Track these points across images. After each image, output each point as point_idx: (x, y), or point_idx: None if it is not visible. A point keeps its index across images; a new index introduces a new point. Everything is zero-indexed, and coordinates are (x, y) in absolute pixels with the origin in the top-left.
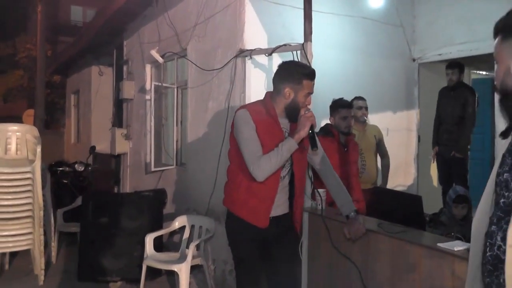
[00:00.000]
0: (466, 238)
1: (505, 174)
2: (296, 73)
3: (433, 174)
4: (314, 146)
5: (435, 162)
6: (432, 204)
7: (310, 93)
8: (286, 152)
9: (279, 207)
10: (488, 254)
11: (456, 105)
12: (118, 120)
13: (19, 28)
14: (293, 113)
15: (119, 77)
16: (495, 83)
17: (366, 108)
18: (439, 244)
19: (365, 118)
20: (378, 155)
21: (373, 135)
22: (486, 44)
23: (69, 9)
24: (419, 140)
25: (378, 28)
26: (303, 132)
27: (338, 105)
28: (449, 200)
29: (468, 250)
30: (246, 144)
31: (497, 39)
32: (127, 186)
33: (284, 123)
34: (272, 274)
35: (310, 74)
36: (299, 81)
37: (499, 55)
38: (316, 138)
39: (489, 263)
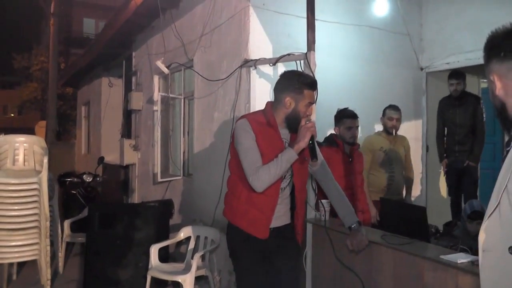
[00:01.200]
0: (473, 251)
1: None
2: (297, 83)
3: (441, 185)
4: (314, 157)
5: (444, 174)
6: (441, 215)
7: (312, 103)
8: (286, 163)
9: (280, 218)
10: None
11: (466, 115)
12: (127, 131)
13: (34, 41)
14: (294, 123)
15: (128, 88)
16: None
17: (398, 119)
18: (442, 257)
19: (394, 129)
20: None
21: (403, 146)
22: None
23: (81, 21)
24: (427, 150)
25: (385, 37)
26: (303, 142)
27: (343, 115)
28: (464, 215)
29: (472, 262)
30: (246, 154)
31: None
32: (136, 196)
33: (285, 133)
34: (274, 286)
35: (311, 84)
36: (300, 90)
37: (486, 78)
38: (317, 148)
39: None
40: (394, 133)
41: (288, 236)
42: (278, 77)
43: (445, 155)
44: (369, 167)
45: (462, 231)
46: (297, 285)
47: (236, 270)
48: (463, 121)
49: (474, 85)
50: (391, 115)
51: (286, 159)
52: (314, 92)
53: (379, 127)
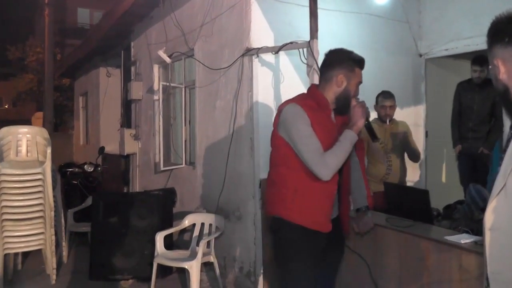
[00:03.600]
0: (474, 232)
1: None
2: (349, 60)
3: (442, 169)
4: (374, 137)
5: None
6: (440, 199)
7: (361, 82)
8: (350, 145)
9: (333, 209)
10: None
11: (485, 102)
12: (126, 121)
13: (28, 32)
14: (345, 103)
15: (127, 78)
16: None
17: (391, 107)
18: (446, 237)
19: (388, 118)
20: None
21: (402, 131)
22: None
23: (76, 11)
24: (426, 136)
25: (384, 24)
26: (361, 122)
27: None
28: (470, 201)
29: (475, 242)
30: (305, 141)
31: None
32: (137, 186)
33: (332, 117)
34: (320, 279)
35: (361, 62)
36: (352, 68)
37: (489, 62)
38: (373, 128)
39: None
40: (387, 122)
41: (337, 229)
42: (325, 56)
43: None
44: (366, 157)
45: (463, 215)
46: (335, 278)
47: (289, 274)
48: (481, 107)
49: (470, 71)
50: (383, 103)
51: (349, 141)
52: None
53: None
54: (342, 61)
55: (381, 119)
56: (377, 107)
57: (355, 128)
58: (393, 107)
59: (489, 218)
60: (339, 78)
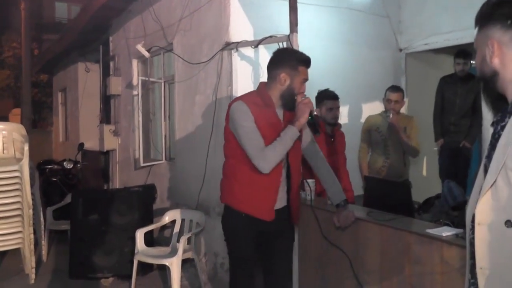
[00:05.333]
0: (455, 224)
1: (484, 160)
2: (292, 59)
3: (423, 163)
4: (316, 131)
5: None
6: (421, 193)
7: (306, 79)
8: (290, 141)
9: (280, 200)
10: None
11: (468, 96)
12: (106, 117)
13: (4, 27)
14: (289, 100)
15: (106, 74)
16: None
17: (397, 101)
18: (427, 230)
19: (393, 112)
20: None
21: (407, 126)
22: (473, 32)
23: (53, 5)
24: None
25: (364, 19)
26: (303, 118)
27: (324, 96)
28: (444, 201)
29: (456, 235)
30: (248, 136)
31: (476, 29)
32: (117, 182)
33: (280, 112)
34: (269, 268)
35: (306, 60)
36: (295, 67)
37: (476, 44)
38: (316, 123)
39: None
40: (391, 115)
41: (285, 218)
42: (272, 55)
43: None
44: (369, 147)
45: (439, 210)
46: (290, 266)
47: (231, 255)
48: (463, 102)
49: (451, 66)
50: (389, 96)
51: (290, 137)
52: (307, 69)
53: (361, 108)
54: (285, 60)
55: (386, 112)
56: (384, 100)
57: (297, 124)
58: (398, 102)
59: (478, 213)
60: (281, 77)
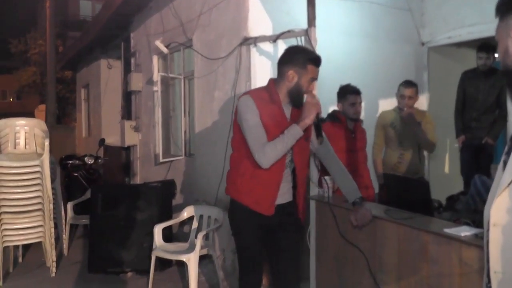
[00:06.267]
0: (476, 223)
1: (504, 156)
2: (301, 57)
3: (445, 160)
4: (319, 135)
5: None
6: (443, 190)
7: (314, 78)
8: (292, 139)
9: (283, 196)
10: None
11: (491, 92)
12: (127, 113)
13: (30, 25)
14: (297, 97)
15: (127, 70)
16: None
17: (411, 97)
18: (445, 230)
19: (407, 107)
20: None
21: (418, 122)
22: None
23: (78, 3)
24: None
25: (386, 13)
26: (309, 119)
27: (346, 91)
28: (475, 193)
29: (475, 235)
30: (251, 131)
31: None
32: (138, 177)
33: (287, 109)
34: (275, 262)
35: (315, 59)
36: (304, 65)
37: (498, 35)
38: (321, 126)
39: None
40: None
41: (290, 213)
42: (282, 52)
43: (463, 131)
44: (383, 144)
45: (466, 206)
46: (298, 262)
47: (238, 247)
48: (486, 97)
49: (474, 60)
50: (403, 92)
51: (292, 135)
52: (318, 68)
53: (382, 103)
54: (294, 58)
55: (400, 107)
56: (397, 95)
57: (302, 123)
58: (412, 98)
59: (494, 213)
60: (289, 74)
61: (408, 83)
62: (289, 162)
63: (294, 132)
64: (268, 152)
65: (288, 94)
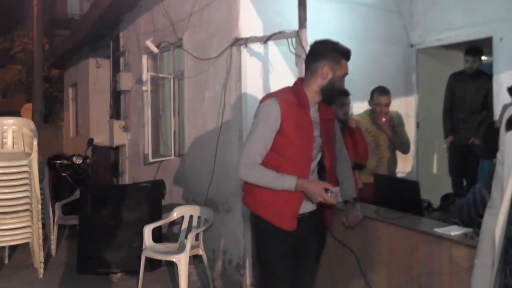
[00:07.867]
0: (465, 223)
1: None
2: (334, 51)
3: (434, 160)
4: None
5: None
6: (431, 190)
7: (346, 74)
8: (279, 185)
9: (307, 203)
10: None
11: (478, 93)
12: (116, 112)
13: (17, 22)
14: (330, 95)
15: (116, 69)
16: None
17: (387, 105)
18: (435, 229)
19: (383, 114)
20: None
21: (392, 124)
22: (485, 28)
23: (65, 1)
24: (417, 127)
25: (375, 15)
26: (313, 200)
27: None
28: (472, 205)
29: (465, 234)
30: (254, 139)
31: None
32: (126, 177)
33: (314, 112)
34: (297, 273)
35: (347, 53)
36: (338, 60)
37: None
38: (337, 126)
39: None
40: (383, 120)
41: (315, 222)
42: (309, 47)
43: (452, 132)
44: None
45: (458, 210)
46: (315, 273)
47: (263, 264)
48: (472, 99)
49: (462, 62)
50: (379, 100)
51: (281, 184)
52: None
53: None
54: (328, 52)
55: (374, 113)
56: (372, 102)
57: (300, 188)
58: (388, 105)
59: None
60: (324, 70)
61: (383, 90)
62: (314, 167)
63: (289, 183)
64: (252, 175)
65: (321, 92)
